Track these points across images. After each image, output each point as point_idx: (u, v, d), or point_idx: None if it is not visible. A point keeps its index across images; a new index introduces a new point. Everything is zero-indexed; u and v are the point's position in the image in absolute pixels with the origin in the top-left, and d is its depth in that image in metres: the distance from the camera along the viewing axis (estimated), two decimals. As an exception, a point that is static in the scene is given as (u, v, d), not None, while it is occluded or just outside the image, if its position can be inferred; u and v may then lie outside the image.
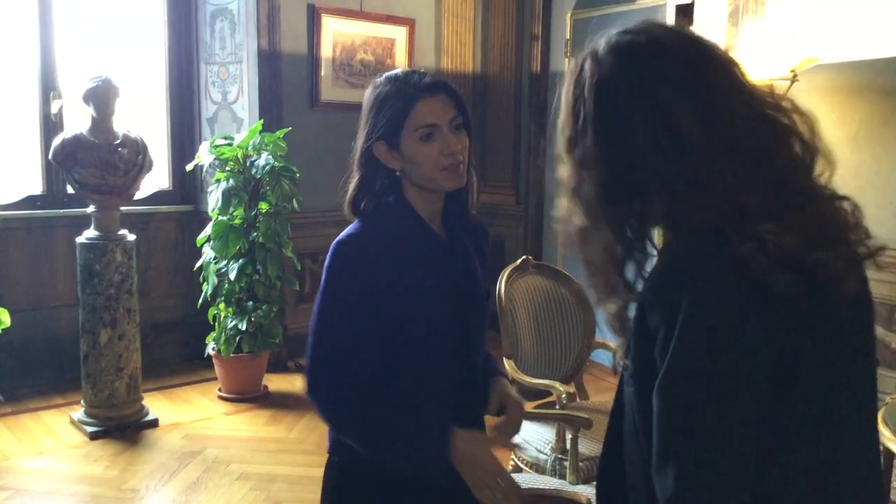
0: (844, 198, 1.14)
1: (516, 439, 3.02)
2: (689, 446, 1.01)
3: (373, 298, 1.58)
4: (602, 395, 4.21)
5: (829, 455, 1.07)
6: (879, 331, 4.18)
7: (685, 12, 4.52)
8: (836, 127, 4.24)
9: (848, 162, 4.23)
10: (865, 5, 4.23)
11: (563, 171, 1.18)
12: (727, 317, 1.01)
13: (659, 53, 1.12)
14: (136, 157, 4.19)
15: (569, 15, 5.67)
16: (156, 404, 4.52)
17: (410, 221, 1.66)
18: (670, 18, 4.61)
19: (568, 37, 5.67)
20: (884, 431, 2.45)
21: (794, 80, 3.87)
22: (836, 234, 1.08)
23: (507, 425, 1.74)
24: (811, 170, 1.12)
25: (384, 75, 1.68)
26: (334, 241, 1.64)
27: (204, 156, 4.64)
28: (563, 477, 2.74)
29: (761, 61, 3.81)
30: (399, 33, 5.58)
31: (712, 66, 1.13)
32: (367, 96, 1.67)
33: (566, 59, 5.70)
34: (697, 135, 1.07)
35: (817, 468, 1.07)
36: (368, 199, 1.67)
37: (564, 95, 1.18)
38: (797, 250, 1.02)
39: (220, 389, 4.78)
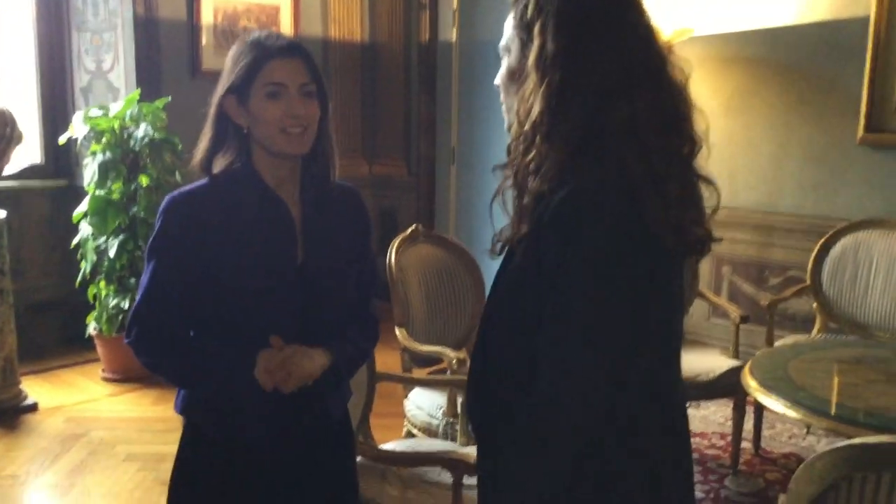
0: (712, 182, 1.32)
1: (409, 407, 3.06)
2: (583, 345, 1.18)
3: (198, 257, 1.62)
4: (493, 360, 4.29)
5: (671, 356, 1.33)
6: (750, 289, 4.43)
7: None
8: (710, 97, 4.43)
9: (721, 129, 4.44)
10: (735, -22, 4.41)
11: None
12: (620, 252, 1.17)
13: None
14: (3, 130, 3.95)
15: (455, -16, 5.67)
16: (35, 388, 4.33)
17: (254, 186, 1.67)
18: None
19: (455, 7, 5.67)
20: (751, 382, 2.60)
21: (669, 51, 4.01)
22: (703, 215, 1.30)
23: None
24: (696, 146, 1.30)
25: (249, 36, 1.68)
26: (167, 196, 1.67)
27: (78, 127, 4.43)
28: (454, 439, 2.79)
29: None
30: (283, 0, 5.45)
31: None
32: (229, 53, 1.69)
33: (454, 30, 5.71)
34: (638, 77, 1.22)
35: (669, 359, 1.32)
36: (218, 157, 1.67)
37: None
38: (687, 221, 1.23)
39: (103, 370, 4.61)
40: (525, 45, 1.26)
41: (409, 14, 5.90)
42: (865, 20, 3.94)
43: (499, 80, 1.35)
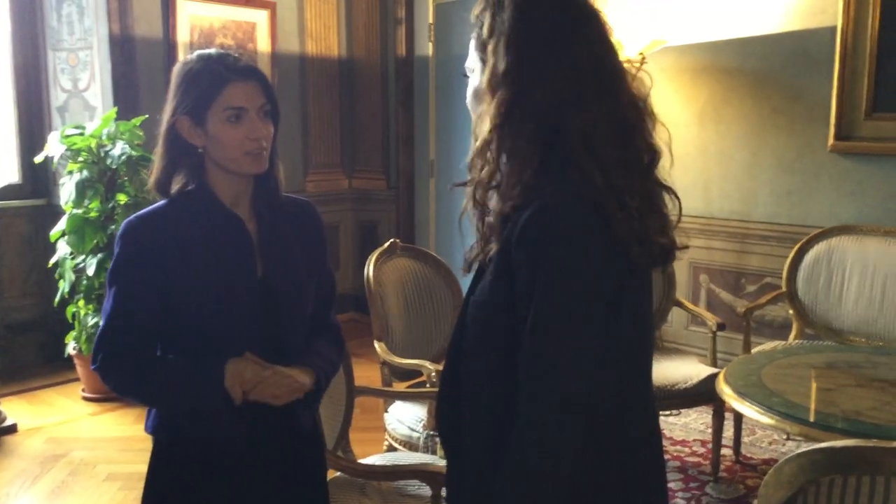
0: (673, 192, 1.34)
1: (390, 421, 3.07)
2: (560, 362, 1.19)
3: (159, 279, 1.62)
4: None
5: (644, 360, 1.35)
6: (727, 297, 4.47)
7: None
8: (683, 107, 4.48)
9: (695, 139, 4.49)
10: (705, -10, 4.47)
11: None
12: (590, 267, 1.19)
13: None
14: (-22, 150, 3.94)
15: (431, -1, 5.72)
16: (14, 409, 4.30)
17: (210, 205, 1.68)
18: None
19: (431, 21, 5.71)
20: (725, 389, 2.63)
21: (642, 62, 4.05)
22: (666, 225, 1.32)
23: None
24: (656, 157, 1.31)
25: (196, 53, 1.69)
26: (125, 221, 1.67)
27: (54, 146, 4.41)
28: (434, 452, 2.80)
29: (612, 44, 3.98)
30: (260, 17, 5.47)
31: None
32: (175, 71, 1.68)
33: (430, 44, 5.75)
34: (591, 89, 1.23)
35: (640, 371, 1.34)
36: (174, 178, 1.68)
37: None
38: (651, 232, 1.24)
39: (83, 390, 4.58)
40: (484, 65, 1.29)
41: (385, 29, 5.93)
42: (833, 30, 4.00)
43: (467, 100, 1.38)
